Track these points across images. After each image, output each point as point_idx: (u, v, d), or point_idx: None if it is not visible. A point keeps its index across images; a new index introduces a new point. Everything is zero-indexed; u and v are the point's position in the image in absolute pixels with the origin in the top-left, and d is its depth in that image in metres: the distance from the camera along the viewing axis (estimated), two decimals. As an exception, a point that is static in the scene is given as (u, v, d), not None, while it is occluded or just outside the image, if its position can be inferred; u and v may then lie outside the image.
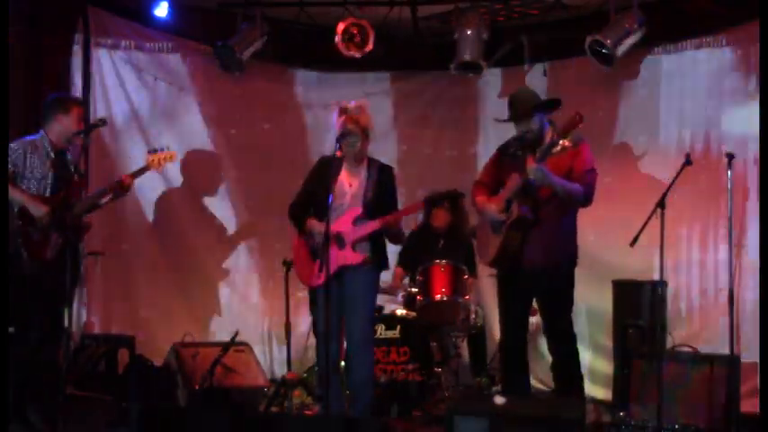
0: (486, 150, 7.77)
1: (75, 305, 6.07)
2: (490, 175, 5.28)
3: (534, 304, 5.22)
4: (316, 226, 5.08)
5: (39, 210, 5.15)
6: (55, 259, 5.16)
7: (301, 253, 5.29)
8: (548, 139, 4.93)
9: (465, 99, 8.00)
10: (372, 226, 5.08)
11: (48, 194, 5.26)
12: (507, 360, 5.24)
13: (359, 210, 5.13)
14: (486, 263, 5.34)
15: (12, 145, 5.27)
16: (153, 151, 5.75)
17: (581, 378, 5.21)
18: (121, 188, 5.54)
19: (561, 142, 4.91)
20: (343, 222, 5.13)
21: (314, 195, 5.17)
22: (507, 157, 5.18)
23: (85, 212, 5.51)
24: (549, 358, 5.30)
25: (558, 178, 4.88)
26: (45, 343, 5.27)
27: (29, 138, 5.37)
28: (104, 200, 5.59)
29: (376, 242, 5.20)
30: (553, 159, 4.91)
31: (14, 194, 5.13)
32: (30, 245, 5.15)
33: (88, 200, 5.57)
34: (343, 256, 5.10)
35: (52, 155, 5.33)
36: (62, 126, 5.36)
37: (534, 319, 5.42)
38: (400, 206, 5.33)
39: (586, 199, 4.98)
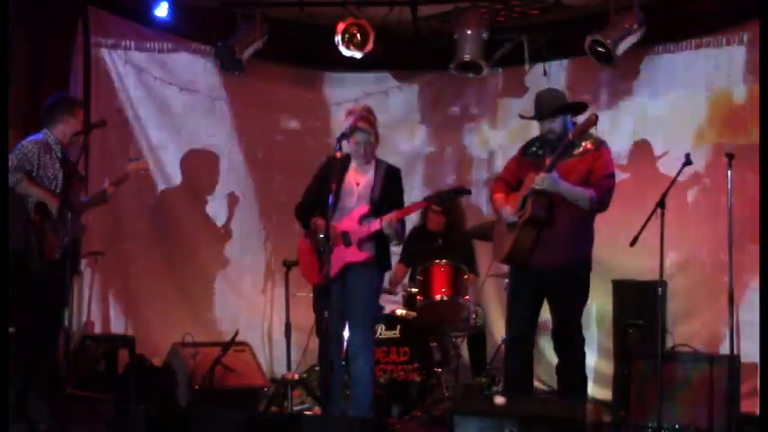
0: (487, 150, 7.83)
1: (74, 305, 6.08)
2: (511, 172, 5.28)
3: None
4: (321, 224, 5.08)
5: (54, 206, 5.18)
6: (59, 259, 5.17)
7: (307, 251, 5.29)
8: (566, 141, 4.94)
9: (466, 99, 8.00)
10: (375, 225, 5.09)
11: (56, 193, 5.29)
12: (512, 358, 5.23)
13: (365, 208, 5.15)
14: (499, 260, 5.33)
15: (25, 144, 5.29)
16: (133, 160, 5.87)
17: (585, 381, 5.20)
18: (105, 198, 5.62)
19: (584, 144, 4.95)
20: (349, 221, 5.14)
21: (320, 194, 5.17)
22: (528, 156, 5.18)
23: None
24: (551, 359, 5.30)
25: (568, 185, 4.88)
26: (46, 343, 5.27)
27: (36, 137, 5.37)
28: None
29: (380, 242, 5.21)
30: (574, 161, 4.92)
31: (34, 189, 5.17)
32: (44, 243, 5.16)
33: (86, 203, 5.61)
34: (348, 255, 5.11)
35: (60, 155, 5.36)
36: (68, 127, 5.39)
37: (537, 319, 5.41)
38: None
39: (600, 204, 4.97)
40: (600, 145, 5.03)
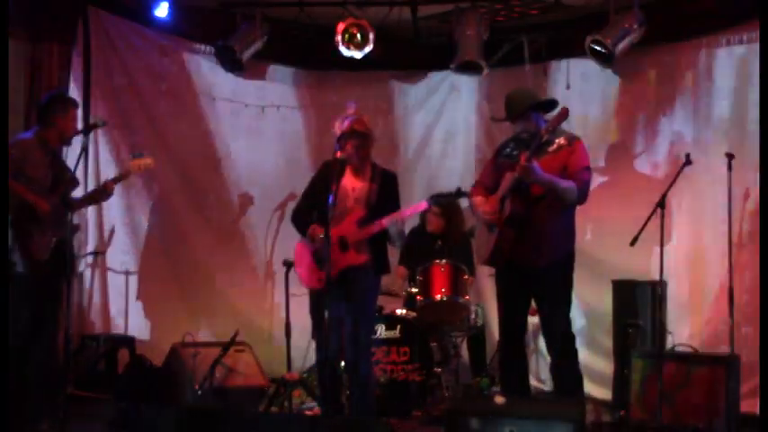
0: (487, 150, 7.83)
1: (71, 305, 6.06)
2: (488, 174, 5.28)
3: (533, 304, 5.22)
4: (317, 231, 5.07)
5: (42, 208, 5.13)
6: (49, 259, 5.14)
7: (304, 255, 5.29)
8: (543, 138, 4.94)
9: (464, 99, 8.00)
10: (376, 227, 5.09)
11: (45, 193, 5.24)
12: (506, 360, 5.24)
13: (362, 212, 5.14)
14: (483, 263, 5.34)
15: (14, 143, 5.25)
16: (136, 156, 5.77)
17: (581, 378, 5.20)
18: (105, 194, 5.56)
19: (557, 141, 4.95)
20: (346, 225, 5.13)
21: (317, 200, 5.17)
22: (504, 157, 5.19)
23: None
24: (549, 358, 5.30)
25: (548, 175, 4.87)
26: (39, 342, 5.23)
27: (25, 135, 5.34)
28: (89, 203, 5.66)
29: (378, 246, 5.21)
30: (549, 158, 4.92)
31: (18, 191, 5.11)
32: (28, 244, 5.13)
33: (79, 202, 5.56)
34: (346, 258, 5.11)
35: (49, 154, 5.31)
36: (60, 126, 5.34)
37: (534, 319, 5.42)
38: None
39: (580, 196, 4.96)
40: (573, 140, 5.02)
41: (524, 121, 5.04)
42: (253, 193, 7.65)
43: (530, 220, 4.95)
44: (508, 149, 5.19)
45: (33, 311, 5.17)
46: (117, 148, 6.95)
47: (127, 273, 7.08)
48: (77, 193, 5.62)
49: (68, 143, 5.41)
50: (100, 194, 5.60)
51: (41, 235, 5.14)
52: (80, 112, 6.61)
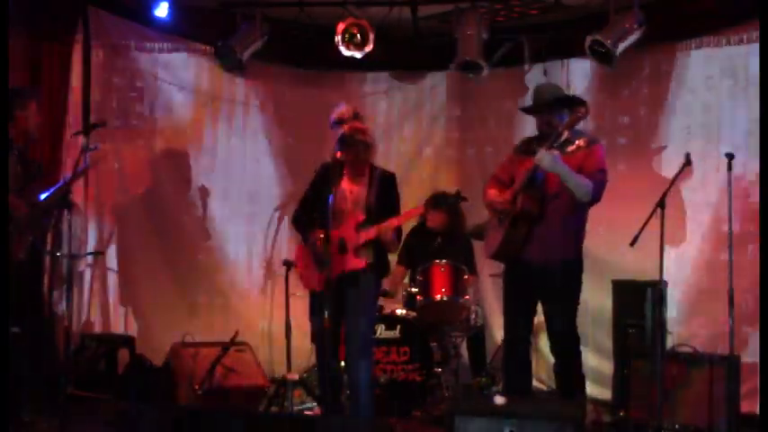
0: (487, 150, 7.84)
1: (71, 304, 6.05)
2: (505, 170, 5.29)
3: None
4: (318, 235, 5.07)
5: (17, 208, 5.05)
6: (26, 258, 5.09)
7: (305, 257, 5.29)
8: (564, 135, 4.94)
9: (466, 99, 7.99)
10: (375, 231, 5.09)
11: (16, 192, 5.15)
12: (509, 359, 5.23)
13: (361, 215, 5.14)
14: (489, 256, 5.33)
15: None
16: (90, 149, 5.59)
17: (583, 380, 5.20)
18: (64, 193, 5.47)
19: (577, 142, 4.97)
20: (345, 228, 5.13)
21: (317, 202, 5.17)
22: (523, 153, 5.19)
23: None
24: (550, 358, 5.29)
25: (567, 168, 4.87)
26: (29, 342, 5.19)
27: None
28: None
29: (378, 248, 5.21)
30: (565, 157, 4.92)
31: None
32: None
33: (47, 202, 5.48)
34: (345, 262, 5.11)
35: (15, 151, 5.22)
36: (20, 121, 5.23)
37: (535, 319, 5.41)
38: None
39: (594, 195, 4.97)
40: (592, 143, 5.04)
41: (548, 114, 5.05)
42: (250, 193, 7.64)
43: (541, 217, 4.95)
44: (528, 145, 5.20)
45: (20, 310, 5.11)
46: (116, 149, 6.95)
47: (126, 272, 7.08)
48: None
49: (33, 139, 5.32)
50: (61, 195, 5.45)
51: (19, 235, 5.08)
52: (80, 113, 6.71)
